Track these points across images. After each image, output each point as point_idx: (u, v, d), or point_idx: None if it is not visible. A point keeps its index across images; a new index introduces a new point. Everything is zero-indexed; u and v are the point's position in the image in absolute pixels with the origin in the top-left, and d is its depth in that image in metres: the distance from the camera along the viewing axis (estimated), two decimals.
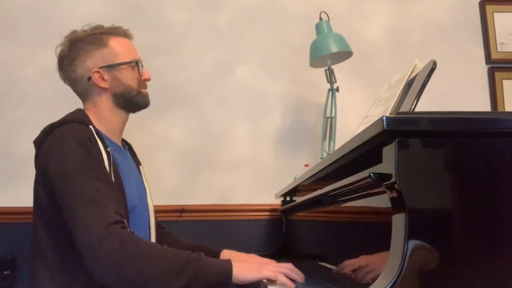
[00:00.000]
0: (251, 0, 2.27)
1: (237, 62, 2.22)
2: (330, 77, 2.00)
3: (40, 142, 1.26)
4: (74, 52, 1.37)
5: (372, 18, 2.31)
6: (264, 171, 2.15)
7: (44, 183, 1.22)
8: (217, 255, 1.46)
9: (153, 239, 1.44)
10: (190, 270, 1.08)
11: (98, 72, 1.36)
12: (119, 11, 2.12)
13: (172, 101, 2.16)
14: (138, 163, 1.55)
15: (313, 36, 1.98)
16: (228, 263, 1.12)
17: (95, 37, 1.38)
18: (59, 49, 1.39)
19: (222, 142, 2.16)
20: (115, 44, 1.39)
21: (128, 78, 1.40)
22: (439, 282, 0.75)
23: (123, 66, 1.38)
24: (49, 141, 1.22)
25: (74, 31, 1.40)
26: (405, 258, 0.74)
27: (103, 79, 1.37)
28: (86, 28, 1.40)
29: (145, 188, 1.50)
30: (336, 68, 2.02)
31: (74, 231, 1.11)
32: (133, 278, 1.06)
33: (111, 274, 1.06)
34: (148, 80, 1.45)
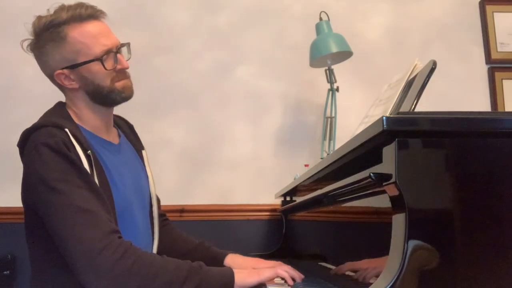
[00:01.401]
0: (251, 0, 2.27)
1: (237, 62, 2.22)
2: (330, 77, 2.00)
3: (20, 146, 1.19)
4: (38, 49, 1.23)
5: (372, 18, 2.31)
6: (264, 171, 2.15)
7: (27, 197, 1.17)
8: (221, 259, 1.40)
9: (156, 230, 1.39)
10: (193, 280, 1.05)
11: (62, 73, 1.22)
12: (120, 11, 2.12)
13: (172, 101, 2.16)
14: (140, 148, 1.46)
15: (313, 36, 1.98)
16: (230, 271, 1.11)
17: (53, 31, 1.20)
18: (26, 43, 1.25)
19: (222, 142, 2.16)
20: (75, 37, 1.20)
21: (96, 75, 1.22)
22: (439, 282, 0.75)
23: (87, 64, 1.21)
24: (26, 151, 1.15)
25: (37, 18, 1.22)
26: (405, 258, 0.74)
27: (69, 79, 1.23)
28: (47, 14, 1.22)
29: (147, 176, 1.42)
30: (336, 68, 2.02)
31: (66, 244, 1.04)
32: None
33: None
34: (124, 68, 1.27)
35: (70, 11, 1.21)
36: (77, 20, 1.21)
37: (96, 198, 1.10)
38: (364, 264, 0.98)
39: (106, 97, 1.26)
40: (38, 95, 2.03)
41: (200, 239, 1.50)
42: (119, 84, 1.26)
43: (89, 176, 1.12)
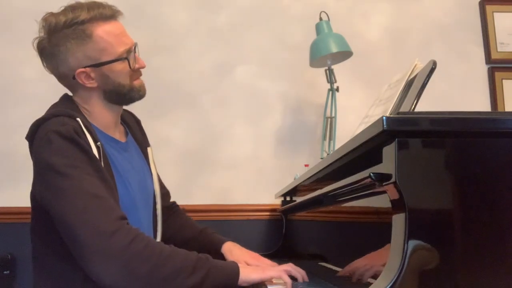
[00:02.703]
0: (251, 0, 2.27)
1: (237, 62, 2.22)
2: (330, 77, 2.00)
3: (30, 138, 1.18)
4: (54, 47, 1.20)
5: (372, 18, 2.31)
6: (264, 171, 2.15)
7: (36, 190, 1.15)
8: (219, 246, 1.42)
9: (159, 228, 1.40)
10: (201, 269, 1.05)
11: (83, 71, 1.22)
12: None
13: (172, 101, 2.16)
14: (146, 145, 1.46)
15: (313, 36, 1.98)
16: (235, 265, 1.12)
17: (76, 28, 1.19)
18: (37, 41, 1.23)
19: (222, 142, 2.16)
20: (100, 35, 1.20)
21: (118, 74, 1.25)
22: (439, 282, 0.75)
23: (112, 63, 1.23)
24: (37, 140, 1.14)
25: (52, 15, 1.20)
26: (405, 258, 0.74)
27: (89, 77, 1.23)
28: (64, 12, 1.20)
29: (151, 174, 1.42)
30: (336, 68, 2.03)
31: (74, 230, 1.01)
32: (147, 277, 1.00)
33: (123, 273, 0.99)
34: (142, 67, 1.30)
35: (92, 10, 1.21)
36: (101, 19, 1.22)
37: (105, 186, 1.10)
38: (365, 264, 0.98)
39: (125, 96, 1.28)
40: (38, 95, 2.03)
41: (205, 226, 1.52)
42: (137, 83, 1.30)
43: (99, 164, 1.12)
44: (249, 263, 1.33)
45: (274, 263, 1.33)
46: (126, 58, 1.24)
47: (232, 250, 1.40)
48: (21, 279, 1.92)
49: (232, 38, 2.23)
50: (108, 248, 0.99)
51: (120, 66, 1.24)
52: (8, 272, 1.88)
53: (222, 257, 1.40)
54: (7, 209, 1.95)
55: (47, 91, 1.98)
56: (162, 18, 2.21)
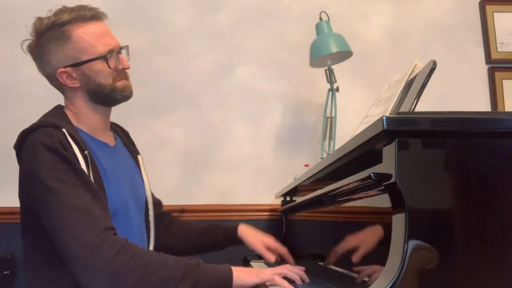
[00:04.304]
0: (251, 0, 2.27)
1: (237, 62, 2.22)
2: (330, 77, 2.00)
3: (18, 148, 1.20)
4: (39, 49, 1.24)
5: (372, 18, 2.31)
6: (264, 171, 2.15)
7: (24, 196, 1.18)
8: (234, 230, 1.55)
9: (152, 234, 1.40)
10: (191, 278, 1.04)
11: (64, 71, 1.23)
12: (119, 11, 2.12)
13: (172, 101, 2.16)
14: (135, 153, 1.48)
15: (313, 36, 1.98)
16: (228, 269, 1.10)
17: (57, 30, 1.21)
18: (26, 43, 1.26)
19: (222, 142, 2.16)
20: (80, 36, 1.22)
21: (99, 73, 1.24)
22: (439, 282, 0.75)
23: (91, 62, 1.23)
24: (24, 152, 1.16)
25: (38, 19, 1.24)
26: (405, 258, 0.74)
27: (71, 77, 1.24)
28: (49, 15, 1.24)
29: (143, 181, 1.43)
30: (336, 68, 2.03)
31: (62, 243, 1.04)
32: None
33: (110, 286, 1.00)
34: (126, 69, 1.30)
35: (73, 12, 1.23)
36: (81, 20, 1.23)
37: (91, 196, 1.10)
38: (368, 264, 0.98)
39: (107, 96, 1.28)
40: (38, 95, 2.03)
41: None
42: (120, 84, 1.28)
43: (85, 175, 1.12)
44: (265, 242, 1.49)
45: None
46: (105, 58, 1.24)
47: (249, 232, 1.55)
48: (21, 279, 1.91)
49: (232, 38, 2.23)
50: (93, 262, 1.01)
51: (99, 66, 1.24)
52: (8, 272, 1.88)
53: (238, 242, 1.55)
54: (7, 209, 1.94)
55: (47, 91, 1.97)
56: (163, 18, 2.21)
